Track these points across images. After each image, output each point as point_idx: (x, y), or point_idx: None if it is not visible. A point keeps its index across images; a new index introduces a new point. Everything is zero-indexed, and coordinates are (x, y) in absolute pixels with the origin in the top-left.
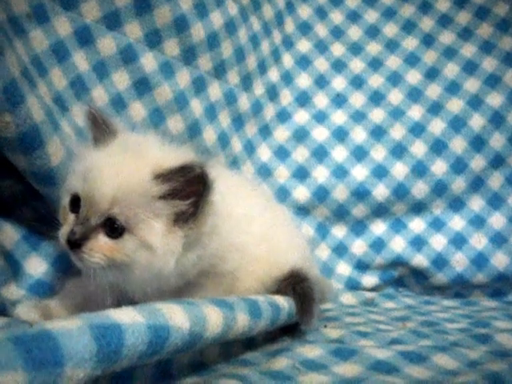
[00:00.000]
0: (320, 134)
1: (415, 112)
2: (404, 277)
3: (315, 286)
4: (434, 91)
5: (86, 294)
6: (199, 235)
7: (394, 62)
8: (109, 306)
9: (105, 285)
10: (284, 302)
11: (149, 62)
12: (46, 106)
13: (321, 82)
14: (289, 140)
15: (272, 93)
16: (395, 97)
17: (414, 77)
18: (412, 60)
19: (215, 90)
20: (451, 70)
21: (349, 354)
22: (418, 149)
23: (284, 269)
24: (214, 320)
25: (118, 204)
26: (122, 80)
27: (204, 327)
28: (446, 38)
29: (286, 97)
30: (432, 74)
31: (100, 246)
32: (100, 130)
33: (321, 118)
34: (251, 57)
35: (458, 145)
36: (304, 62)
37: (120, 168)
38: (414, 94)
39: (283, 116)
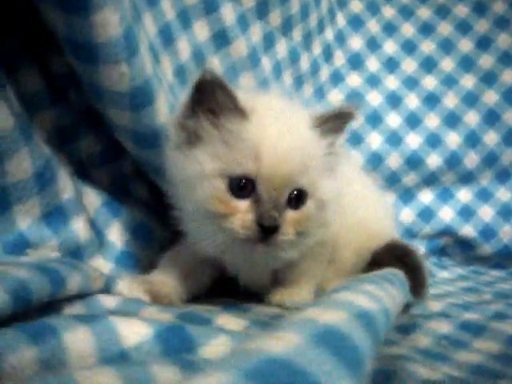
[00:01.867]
0: (373, 98)
1: (468, 81)
2: (448, 246)
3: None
4: (486, 61)
5: (185, 267)
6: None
7: (445, 28)
8: (207, 281)
9: (205, 258)
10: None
11: (228, 12)
12: (152, 58)
13: (372, 44)
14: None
15: (327, 53)
16: (447, 64)
17: (466, 45)
18: (464, 27)
19: (282, 47)
20: (504, 40)
21: (478, 330)
22: (471, 119)
23: (381, 240)
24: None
25: (302, 172)
26: (202, 31)
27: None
28: (499, 6)
29: (340, 58)
30: (484, 43)
31: (291, 222)
32: (228, 99)
33: (373, 82)
34: (313, 14)
35: (511, 117)
36: (356, 22)
37: (293, 136)
38: (467, 63)
39: (337, 78)
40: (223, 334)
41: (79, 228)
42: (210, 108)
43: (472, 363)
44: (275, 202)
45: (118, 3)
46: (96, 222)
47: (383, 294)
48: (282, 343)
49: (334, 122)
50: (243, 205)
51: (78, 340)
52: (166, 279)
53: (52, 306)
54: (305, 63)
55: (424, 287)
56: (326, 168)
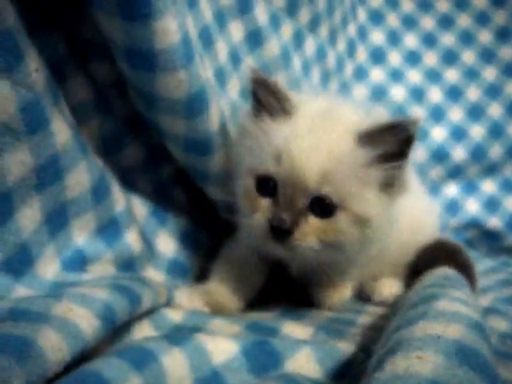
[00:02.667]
0: (397, 93)
1: (489, 73)
2: (473, 238)
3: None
4: (506, 52)
5: (239, 273)
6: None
7: (464, 20)
8: (260, 283)
9: (257, 255)
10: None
11: (261, 12)
12: (200, 61)
13: (393, 38)
14: (368, 99)
15: (351, 48)
16: (468, 57)
17: (485, 36)
18: (483, 19)
19: (310, 45)
20: None
21: None
22: (495, 110)
23: (425, 235)
24: None
25: (326, 180)
26: (237, 32)
27: None
28: None
29: (362, 53)
30: (503, 34)
31: (312, 229)
32: (272, 98)
33: (396, 76)
34: (338, 10)
35: None
36: (376, 17)
37: (321, 140)
38: (487, 55)
39: (360, 73)
40: (305, 345)
41: (132, 240)
42: (257, 105)
43: None
44: (291, 205)
45: (176, 9)
46: (145, 232)
47: (471, 299)
48: (428, 365)
49: (384, 134)
50: (264, 203)
51: (174, 363)
52: (223, 288)
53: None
54: (331, 60)
55: (475, 284)
56: (372, 182)
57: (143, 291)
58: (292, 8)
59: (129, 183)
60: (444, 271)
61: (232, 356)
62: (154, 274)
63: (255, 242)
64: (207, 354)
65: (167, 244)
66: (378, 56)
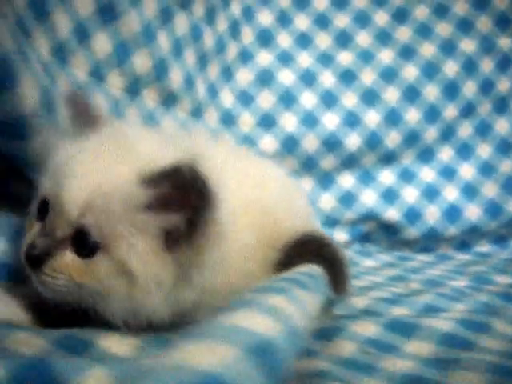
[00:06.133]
0: (286, 77)
1: (385, 56)
2: (371, 232)
3: (341, 248)
4: (403, 34)
5: None
6: (199, 265)
7: (360, 1)
8: None
9: None
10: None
11: None
12: (13, 30)
13: (283, 19)
14: (252, 84)
15: (234, 29)
16: (363, 39)
17: (382, 18)
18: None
19: (181, 23)
20: (421, 12)
21: (408, 330)
22: (391, 95)
23: (289, 232)
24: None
25: (90, 212)
26: (84, 5)
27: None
28: None
29: (248, 35)
30: (401, 15)
31: (65, 265)
32: (80, 117)
33: (285, 59)
34: None
35: (431, 92)
36: None
37: (97, 165)
38: (384, 37)
39: (245, 56)
40: (98, 367)
41: None
42: (74, 125)
43: (402, 372)
44: (51, 233)
45: None
46: None
47: (292, 306)
48: None
49: (163, 179)
50: (36, 227)
51: None
52: None
53: None
54: (209, 41)
55: (345, 282)
56: (146, 230)
57: None
58: None
59: None
60: (300, 269)
61: None
62: None
63: None
64: None
65: None
66: (265, 38)
